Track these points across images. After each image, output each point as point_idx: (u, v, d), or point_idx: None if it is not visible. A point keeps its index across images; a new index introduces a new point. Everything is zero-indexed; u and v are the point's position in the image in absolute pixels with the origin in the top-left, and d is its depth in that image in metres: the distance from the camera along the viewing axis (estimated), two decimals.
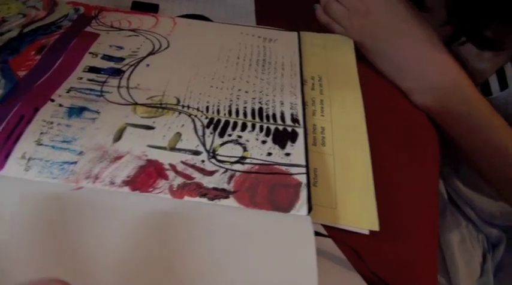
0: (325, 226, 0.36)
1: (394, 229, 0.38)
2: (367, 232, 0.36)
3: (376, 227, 0.36)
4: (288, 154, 0.38)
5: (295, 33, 0.53)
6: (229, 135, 0.40)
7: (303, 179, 0.36)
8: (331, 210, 0.37)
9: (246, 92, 0.44)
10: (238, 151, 0.38)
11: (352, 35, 0.54)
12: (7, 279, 0.28)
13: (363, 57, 0.53)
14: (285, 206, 0.34)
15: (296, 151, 0.39)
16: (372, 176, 0.40)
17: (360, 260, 0.34)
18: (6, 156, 0.36)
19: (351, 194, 0.38)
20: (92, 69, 0.45)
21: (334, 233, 0.36)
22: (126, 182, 0.35)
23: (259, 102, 0.43)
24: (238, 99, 0.43)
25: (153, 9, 0.55)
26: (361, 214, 0.37)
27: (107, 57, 0.47)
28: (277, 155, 0.38)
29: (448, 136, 0.51)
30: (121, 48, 0.49)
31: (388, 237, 0.37)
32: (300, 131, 0.41)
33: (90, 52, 0.47)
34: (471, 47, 0.51)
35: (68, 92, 0.42)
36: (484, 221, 0.63)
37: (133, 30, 0.51)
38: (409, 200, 0.41)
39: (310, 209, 0.35)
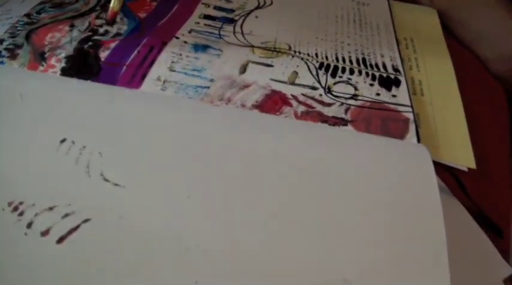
0: None
1: (483, 169, 0.41)
2: (465, 169, 0.40)
3: (473, 165, 0.40)
4: (394, 96, 0.42)
5: (385, 1, 0.57)
6: (340, 77, 0.43)
7: (410, 116, 0.40)
8: (434, 148, 0.41)
9: (349, 44, 0.48)
10: (350, 90, 0.42)
11: (437, 5, 0.57)
12: None
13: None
14: (397, 136, 0.38)
15: (401, 94, 0.43)
16: (466, 122, 0.43)
17: (462, 189, 0.38)
18: (143, 77, 0.41)
19: (450, 136, 0.42)
20: (207, 17, 0.50)
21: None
22: (255, 106, 0.39)
23: (362, 53, 0.47)
24: (342, 49, 0.47)
25: None
26: (460, 153, 0.41)
27: (219, 8, 0.51)
28: (385, 96, 0.42)
29: None
30: (229, 1, 0.53)
31: (478, 176, 0.41)
32: (402, 79, 0.44)
33: (202, 3, 0.52)
34: None
35: (189, 32, 0.47)
36: None
37: None
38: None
39: (418, 142, 0.38)
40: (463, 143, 0.41)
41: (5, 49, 0.42)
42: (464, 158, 0.40)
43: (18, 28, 0.44)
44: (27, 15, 0.46)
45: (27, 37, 0.43)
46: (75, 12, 0.48)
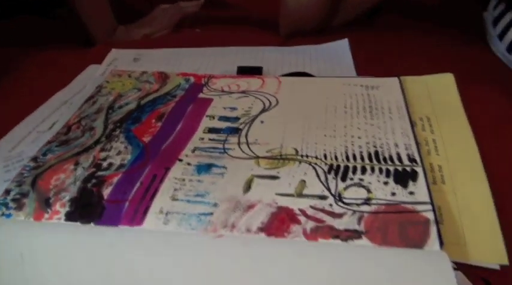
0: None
1: None
2: (497, 267, 0.36)
3: (505, 261, 0.36)
4: (411, 193, 0.39)
5: (396, 79, 0.55)
6: (351, 179, 0.41)
7: (430, 216, 0.37)
8: (460, 247, 0.37)
9: (359, 138, 0.46)
10: (362, 193, 0.39)
11: None
12: None
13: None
14: (417, 242, 0.35)
15: (419, 189, 0.39)
16: (495, 209, 0.39)
17: None
18: (145, 212, 0.39)
19: (477, 229, 0.38)
20: (212, 130, 0.49)
21: (464, 268, 0.36)
22: (261, 229, 0.37)
23: (374, 146, 0.45)
24: (353, 144, 0.45)
25: (257, 71, 0.59)
26: (489, 249, 0.37)
27: (224, 118, 0.51)
28: (401, 194, 0.39)
29: None
30: (234, 108, 0.52)
31: None
32: (419, 170, 0.41)
33: (207, 116, 0.51)
34: None
35: (193, 152, 0.46)
36: None
37: (243, 92, 0.55)
38: None
39: (441, 245, 0.35)
40: (493, 236, 0.38)
41: (12, 199, 0.42)
42: (495, 254, 0.36)
43: (25, 175, 0.45)
44: (34, 158, 0.47)
45: (33, 183, 0.43)
46: (80, 147, 0.48)
